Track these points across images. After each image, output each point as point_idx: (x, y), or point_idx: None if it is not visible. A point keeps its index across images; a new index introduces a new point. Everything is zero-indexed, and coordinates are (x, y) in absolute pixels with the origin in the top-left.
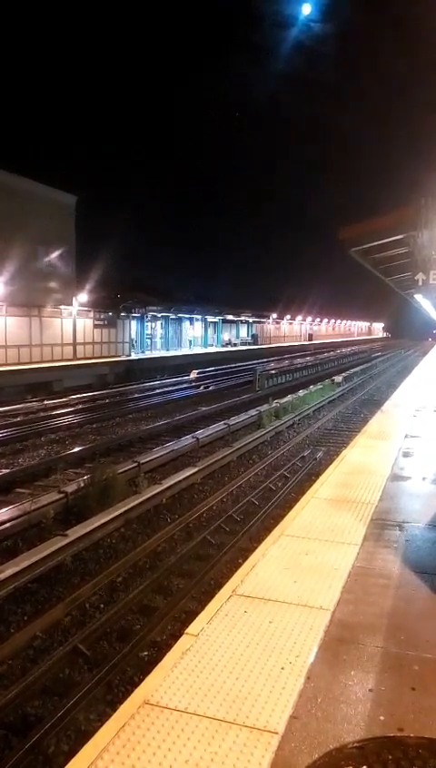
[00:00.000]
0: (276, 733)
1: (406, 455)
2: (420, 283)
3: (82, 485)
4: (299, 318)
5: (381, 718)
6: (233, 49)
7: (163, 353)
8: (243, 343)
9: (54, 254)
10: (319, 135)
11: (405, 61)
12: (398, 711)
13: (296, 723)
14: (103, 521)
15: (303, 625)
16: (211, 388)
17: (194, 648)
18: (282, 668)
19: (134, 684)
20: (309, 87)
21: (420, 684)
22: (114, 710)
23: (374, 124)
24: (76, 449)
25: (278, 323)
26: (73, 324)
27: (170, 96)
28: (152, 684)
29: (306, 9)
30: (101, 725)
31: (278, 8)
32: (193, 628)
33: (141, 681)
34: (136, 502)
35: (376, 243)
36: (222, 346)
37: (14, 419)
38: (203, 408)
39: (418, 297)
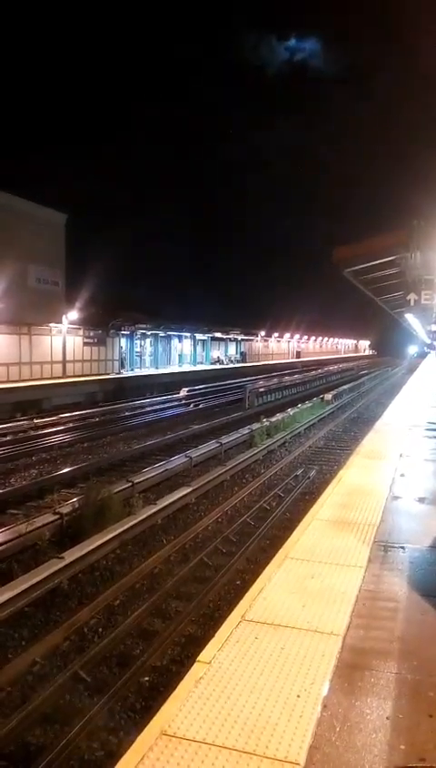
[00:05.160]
0: (297, 764)
1: (403, 475)
2: (411, 303)
3: (76, 506)
4: (287, 335)
5: (402, 747)
6: (224, 74)
7: (153, 371)
8: (232, 361)
9: (44, 272)
10: (310, 163)
11: (398, 90)
12: (417, 740)
13: (317, 754)
14: (99, 543)
15: (315, 652)
16: (201, 406)
17: (208, 676)
18: (298, 696)
19: (137, 711)
20: (299, 116)
21: None
22: (117, 737)
23: (368, 151)
24: (68, 469)
25: (266, 341)
26: (62, 342)
27: (161, 117)
28: (168, 714)
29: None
30: (103, 754)
31: (265, 39)
32: (204, 655)
33: (143, 707)
34: (132, 523)
35: (369, 264)
36: (211, 363)
37: (4, 438)
38: (195, 427)
39: (408, 316)
